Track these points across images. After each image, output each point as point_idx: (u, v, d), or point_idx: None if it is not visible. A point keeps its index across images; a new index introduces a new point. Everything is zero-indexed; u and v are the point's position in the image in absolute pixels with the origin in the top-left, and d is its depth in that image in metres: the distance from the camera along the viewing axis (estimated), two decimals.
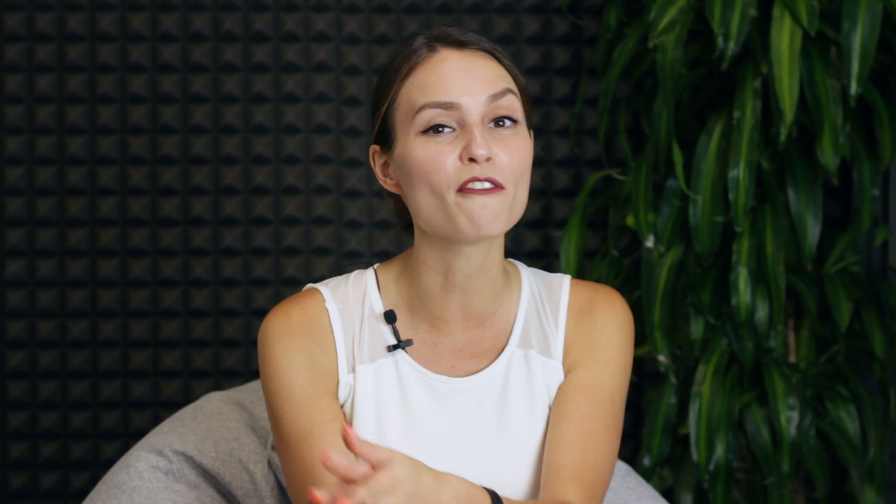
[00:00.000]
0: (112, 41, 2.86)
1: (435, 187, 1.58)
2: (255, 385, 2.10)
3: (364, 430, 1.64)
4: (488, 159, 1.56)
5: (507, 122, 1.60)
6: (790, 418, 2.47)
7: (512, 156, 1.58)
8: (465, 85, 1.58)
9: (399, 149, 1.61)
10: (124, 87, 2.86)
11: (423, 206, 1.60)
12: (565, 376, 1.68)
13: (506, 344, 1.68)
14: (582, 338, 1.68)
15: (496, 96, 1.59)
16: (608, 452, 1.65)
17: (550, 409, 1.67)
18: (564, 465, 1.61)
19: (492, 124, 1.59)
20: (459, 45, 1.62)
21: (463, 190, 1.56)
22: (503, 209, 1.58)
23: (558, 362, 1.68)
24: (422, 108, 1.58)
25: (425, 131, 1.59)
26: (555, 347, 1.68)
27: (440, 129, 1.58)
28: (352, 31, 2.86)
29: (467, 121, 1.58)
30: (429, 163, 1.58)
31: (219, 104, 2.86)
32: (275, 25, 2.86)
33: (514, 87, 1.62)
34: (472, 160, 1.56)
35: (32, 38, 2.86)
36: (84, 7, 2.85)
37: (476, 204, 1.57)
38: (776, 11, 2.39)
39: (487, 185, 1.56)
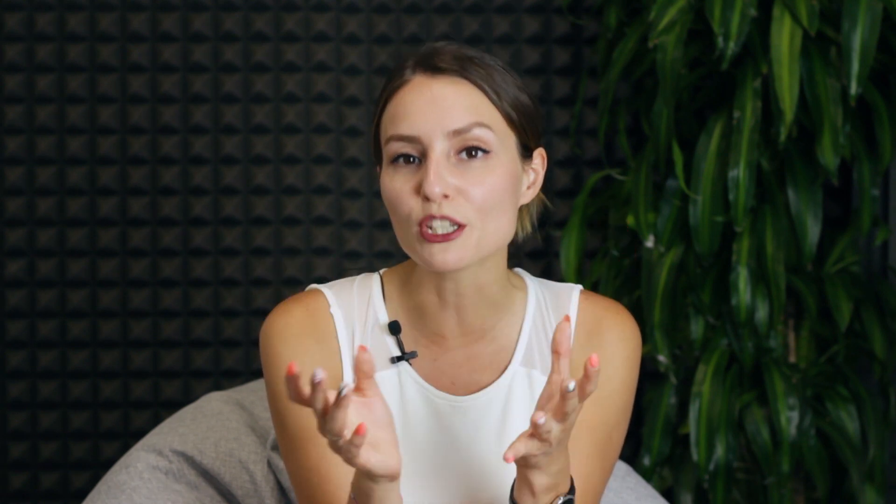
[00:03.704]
0: (112, 41, 2.86)
1: (400, 220, 1.56)
2: (255, 385, 2.10)
3: None
4: (445, 196, 1.52)
5: (479, 154, 1.55)
6: (790, 418, 2.47)
7: (478, 190, 1.54)
8: (426, 117, 1.54)
9: (381, 173, 1.60)
10: (124, 87, 2.86)
11: (397, 232, 1.59)
12: None
13: (509, 361, 1.64)
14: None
15: (460, 131, 1.54)
16: (601, 489, 1.63)
17: None
18: None
19: (463, 154, 1.54)
20: (435, 70, 1.56)
21: (423, 229, 1.54)
22: (467, 248, 1.54)
23: None
24: (388, 140, 1.56)
25: (393, 161, 1.56)
26: None
27: (408, 159, 1.55)
28: (352, 31, 2.86)
29: (427, 154, 1.54)
30: (393, 196, 1.55)
31: (219, 104, 2.87)
32: (275, 25, 2.86)
33: (489, 117, 1.56)
34: (426, 198, 1.53)
35: (32, 38, 2.86)
36: (84, 7, 2.85)
37: (435, 249, 1.54)
38: (776, 11, 2.39)
39: (447, 224, 1.53)
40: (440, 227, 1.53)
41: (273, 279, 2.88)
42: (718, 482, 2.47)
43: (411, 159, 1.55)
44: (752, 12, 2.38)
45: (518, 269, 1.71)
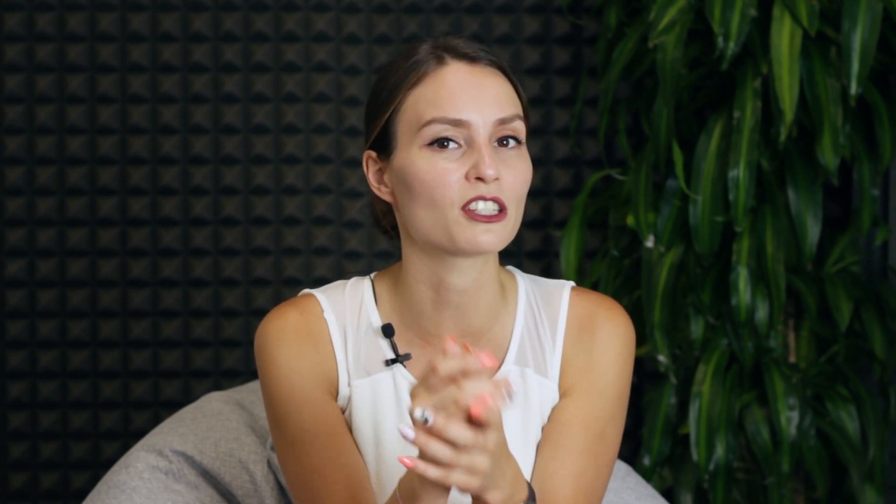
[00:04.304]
0: (112, 41, 2.86)
1: (438, 202, 1.55)
2: (255, 385, 2.10)
3: (362, 444, 1.62)
4: (496, 179, 1.54)
5: (512, 142, 1.57)
6: (790, 418, 2.47)
7: (516, 176, 1.56)
8: (475, 102, 1.56)
9: (399, 159, 1.58)
10: (124, 87, 2.86)
11: (421, 218, 1.57)
12: (560, 398, 1.65)
13: (502, 361, 1.64)
14: (580, 360, 1.64)
15: (504, 121, 1.57)
16: (599, 485, 1.63)
17: (542, 429, 1.64)
18: (558, 502, 1.60)
19: (496, 143, 1.57)
20: (469, 58, 1.59)
21: (467, 211, 1.54)
22: (504, 231, 1.56)
23: (554, 383, 1.64)
24: (429, 122, 1.55)
25: (430, 144, 1.56)
26: (552, 367, 1.65)
27: (446, 143, 1.55)
28: (352, 31, 2.86)
29: (475, 139, 1.55)
30: (434, 178, 1.55)
31: (219, 104, 2.87)
32: (275, 25, 2.86)
33: (521, 110, 1.60)
34: (478, 179, 1.54)
35: (32, 38, 2.86)
36: (84, 7, 2.85)
37: (479, 229, 1.54)
38: (776, 11, 2.39)
39: (492, 205, 1.54)
40: (485, 209, 1.55)
41: (273, 279, 2.88)
42: (718, 482, 2.47)
43: (448, 144, 1.56)
44: (752, 12, 2.38)
45: (509, 267, 1.71)
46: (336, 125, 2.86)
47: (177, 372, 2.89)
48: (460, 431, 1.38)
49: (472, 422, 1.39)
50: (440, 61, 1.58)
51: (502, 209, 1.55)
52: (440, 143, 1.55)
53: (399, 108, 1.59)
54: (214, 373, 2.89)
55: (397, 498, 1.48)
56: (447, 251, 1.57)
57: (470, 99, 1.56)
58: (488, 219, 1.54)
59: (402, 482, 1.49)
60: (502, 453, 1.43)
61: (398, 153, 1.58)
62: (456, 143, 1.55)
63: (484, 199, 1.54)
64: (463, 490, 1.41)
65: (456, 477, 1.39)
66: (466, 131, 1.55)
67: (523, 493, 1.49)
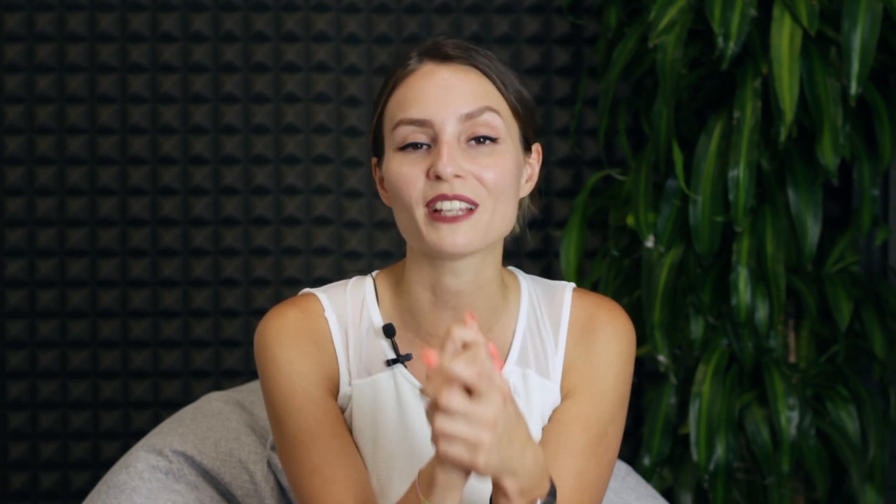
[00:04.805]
0: (112, 41, 2.86)
1: (406, 204, 1.55)
2: (255, 385, 2.10)
3: (361, 443, 1.63)
4: (457, 176, 1.53)
5: (487, 141, 1.56)
6: (790, 418, 2.47)
7: (488, 172, 1.55)
8: (438, 101, 1.55)
9: (385, 163, 1.60)
10: (124, 87, 2.86)
11: (401, 221, 1.58)
12: (562, 400, 1.65)
13: (503, 361, 1.64)
14: (582, 362, 1.64)
15: (472, 115, 1.55)
16: (600, 485, 1.63)
17: (543, 430, 1.64)
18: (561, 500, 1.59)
19: (472, 141, 1.56)
20: (444, 58, 1.58)
21: (431, 209, 1.54)
22: (477, 230, 1.55)
23: (556, 385, 1.64)
24: (397, 125, 1.56)
25: (402, 148, 1.56)
26: (553, 369, 1.64)
27: (416, 146, 1.56)
28: (352, 31, 2.86)
29: (438, 138, 1.54)
30: (401, 180, 1.55)
31: (219, 104, 2.87)
32: (275, 25, 2.86)
33: (497, 103, 1.58)
34: (438, 178, 1.53)
35: (32, 38, 2.86)
36: (84, 7, 2.85)
37: (444, 231, 1.54)
38: (776, 11, 2.39)
39: (458, 204, 1.54)
40: (450, 210, 1.54)
41: (273, 279, 2.88)
42: (718, 482, 2.47)
43: (420, 146, 1.56)
44: (752, 12, 2.38)
45: (511, 268, 1.71)
46: (336, 125, 2.86)
47: (177, 372, 2.89)
48: (451, 397, 1.37)
49: (467, 390, 1.37)
50: (418, 63, 1.59)
51: (472, 207, 1.54)
52: (410, 146, 1.56)
53: (382, 113, 1.60)
54: (214, 373, 2.89)
55: (416, 487, 1.48)
56: (426, 254, 1.58)
57: (434, 98, 1.56)
58: (453, 219, 1.54)
59: (421, 472, 1.48)
60: (514, 435, 1.41)
61: (384, 157, 1.60)
62: (424, 144, 1.56)
63: (446, 197, 1.54)
64: (470, 467, 1.39)
65: (456, 449, 1.37)
66: (431, 130, 1.55)
67: (544, 488, 1.48)
